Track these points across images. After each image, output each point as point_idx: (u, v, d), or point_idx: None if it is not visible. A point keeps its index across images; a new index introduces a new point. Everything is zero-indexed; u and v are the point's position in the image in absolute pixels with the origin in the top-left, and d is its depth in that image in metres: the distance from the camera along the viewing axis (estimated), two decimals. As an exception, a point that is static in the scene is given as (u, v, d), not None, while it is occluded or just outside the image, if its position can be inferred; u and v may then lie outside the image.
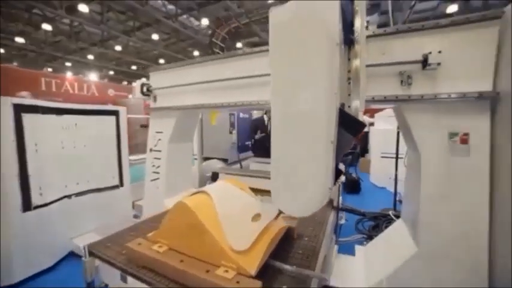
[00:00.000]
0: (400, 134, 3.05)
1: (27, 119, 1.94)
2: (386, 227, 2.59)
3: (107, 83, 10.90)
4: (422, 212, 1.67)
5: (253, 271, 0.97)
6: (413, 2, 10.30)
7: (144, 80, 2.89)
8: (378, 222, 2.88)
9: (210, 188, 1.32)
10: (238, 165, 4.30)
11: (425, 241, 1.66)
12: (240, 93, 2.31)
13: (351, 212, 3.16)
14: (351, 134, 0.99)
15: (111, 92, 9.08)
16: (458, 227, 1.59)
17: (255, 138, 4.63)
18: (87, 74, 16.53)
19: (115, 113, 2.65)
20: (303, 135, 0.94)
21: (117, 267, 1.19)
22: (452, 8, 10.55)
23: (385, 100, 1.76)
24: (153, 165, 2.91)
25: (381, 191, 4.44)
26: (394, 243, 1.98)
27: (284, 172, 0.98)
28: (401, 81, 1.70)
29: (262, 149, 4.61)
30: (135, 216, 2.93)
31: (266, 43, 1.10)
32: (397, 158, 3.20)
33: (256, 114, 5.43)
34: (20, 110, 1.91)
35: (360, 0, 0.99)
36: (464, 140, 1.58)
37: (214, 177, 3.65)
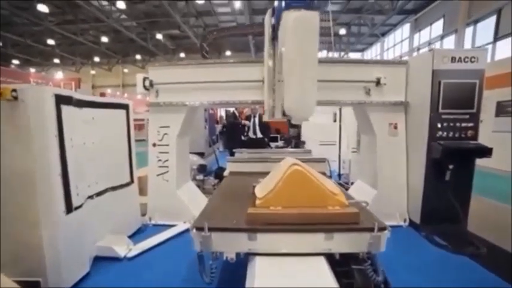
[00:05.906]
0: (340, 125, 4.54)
1: (64, 111, 1.78)
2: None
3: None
4: (378, 169, 2.94)
5: (347, 203, 1.70)
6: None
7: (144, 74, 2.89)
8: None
9: (294, 161, 1.87)
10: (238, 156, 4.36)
11: (380, 187, 2.97)
12: (234, 93, 2.94)
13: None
14: None
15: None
16: (393, 175, 2.95)
17: (221, 131, 5.18)
18: None
19: (125, 107, 2.55)
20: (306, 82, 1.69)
21: (245, 230, 1.37)
22: (342, 31, 14.40)
23: (356, 103, 2.91)
24: (159, 160, 2.99)
25: (319, 171, 6.03)
26: (360, 193, 3.22)
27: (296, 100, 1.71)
28: (365, 92, 2.88)
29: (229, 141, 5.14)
30: (142, 215, 2.90)
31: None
32: (340, 143, 4.67)
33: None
34: (59, 101, 1.73)
35: None
36: (395, 127, 2.95)
37: (202, 169, 3.97)
